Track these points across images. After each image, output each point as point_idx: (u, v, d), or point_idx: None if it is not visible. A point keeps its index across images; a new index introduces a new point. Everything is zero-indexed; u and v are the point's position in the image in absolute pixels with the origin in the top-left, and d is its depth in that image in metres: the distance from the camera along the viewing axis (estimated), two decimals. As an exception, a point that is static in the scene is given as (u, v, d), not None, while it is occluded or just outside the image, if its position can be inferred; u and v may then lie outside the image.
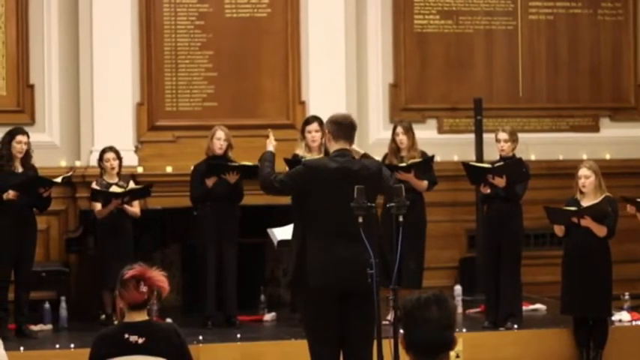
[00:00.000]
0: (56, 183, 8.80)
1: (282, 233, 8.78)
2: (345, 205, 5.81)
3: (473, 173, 8.94)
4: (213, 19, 10.84)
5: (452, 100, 11.43)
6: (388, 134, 9.47)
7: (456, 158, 10.91)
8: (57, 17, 10.53)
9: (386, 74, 11.31)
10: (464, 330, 8.68)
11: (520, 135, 9.17)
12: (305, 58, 10.89)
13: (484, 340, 8.56)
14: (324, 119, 6.80)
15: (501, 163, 8.83)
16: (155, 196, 9.64)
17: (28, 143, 8.85)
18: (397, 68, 11.34)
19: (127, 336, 4.97)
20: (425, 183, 9.07)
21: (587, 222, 8.29)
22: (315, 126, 8.94)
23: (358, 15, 11.11)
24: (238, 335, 8.59)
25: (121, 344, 4.96)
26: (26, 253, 8.78)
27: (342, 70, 10.87)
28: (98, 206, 9.15)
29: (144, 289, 4.96)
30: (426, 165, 9.07)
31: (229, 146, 9.31)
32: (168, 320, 8.20)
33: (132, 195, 9.22)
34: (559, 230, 8.54)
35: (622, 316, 9.12)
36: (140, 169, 10.41)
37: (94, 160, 9.87)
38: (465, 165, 9.02)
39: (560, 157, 11.44)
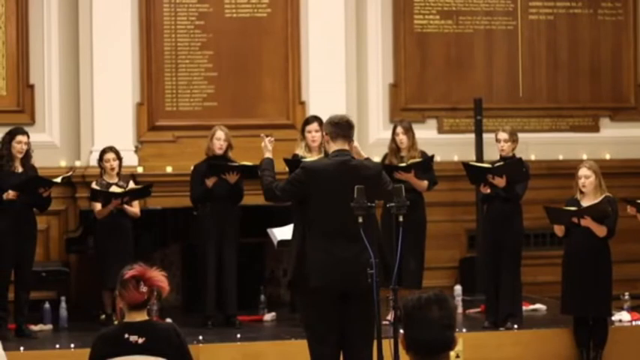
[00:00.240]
0: (56, 183, 8.80)
1: (282, 233, 8.79)
2: (344, 206, 5.82)
3: (473, 173, 8.93)
4: (213, 19, 10.84)
5: (452, 100, 11.43)
6: (388, 134, 9.47)
7: (456, 158, 10.92)
8: (57, 17, 10.53)
9: (386, 74, 11.31)
10: (464, 330, 8.68)
11: (520, 135, 9.17)
12: (305, 58, 10.89)
13: (484, 340, 8.56)
14: (324, 119, 6.80)
15: (501, 163, 8.83)
16: (155, 196, 9.65)
17: (28, 143, 8.85)
18: (397, 68, 11.34)
19: (127, 336, 4.97)
20: (425, 183, 9.07)
21: (587, 222, 8.28)
22: (315, 126, 8.94)
23: (358, 15, 11.11)
24: (238, 335, 8.59)
25: (121, 344, 4.96)
26: (26, 253, 8.77)
27: (342, 70, 10.87)
28: (98, 206, 9.15)
29: (144, 289, 4.96)
30: (425, 165, 9.07)
31: (229, 146, 9.31)
32: (169, 320, 8.19)
33: (132, 195, 9.22)
34: (559, 230, 8.54)
35: (622, 316, 9.11)
36: (140, 169, 10.41)
37: (93, 160, 9.87)
38: (465, 165, 9.02)
39: (560, 157, 11.44)
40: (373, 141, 10.94)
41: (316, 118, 8.96)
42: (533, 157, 11.11)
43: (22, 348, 8.15)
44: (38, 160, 9.13)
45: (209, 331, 8.86)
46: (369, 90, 11.21)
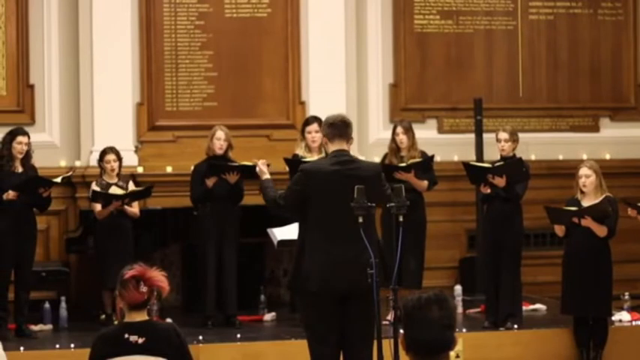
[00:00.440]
0: (56, 183, 8.79)
1: (283, 233, 8.79)
2: (343, 206, 5.82)
3: (473, 173, 8.93)
4: (213, 19, 10.84)
5: (452, 100, 11.43)
6: (388, 134, 9.46)
7: (456, 158, 10.92)
8: (57, 17, 10.53)
9: (386, 74, 11.31)
10: (464, 330, 8.68)
11: (520, 135, 9.17)
12: (305, 58, 10.89)
13: (484, 340, 8.56)
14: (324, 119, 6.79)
15: (501, 163, 8.83)
16: (155, 196, 9.64)
17: (29, 144, 8.85)
18: (397, 68, 11.34)
19: (127, 336, 4.97)
20: (425, 183, 9.07)
21: (587, 222, 8.28)
22: (315, 126, 8.93)
23: (358, 15, 11.11)
24: (238, 335, 8.59)
25: (121, 344, 4.96)
26: (26, 253, 8.77)
27: (342, 70, 10.87)
28: (98, 207, 9.14)
29: (144, 289, 4.96)
30: (425, 165, 9.07)
31: (229, 146, 9.30)
32: (169, 320, 8.19)
33: (133, 197, 9.22)
34: (559, 230, 8.54)
35: (622, 316, 9.11)
36: (140, 169, 10.41)
37: (94, 160, 9.87)
38: (465, 165, 9.01)
39: (561, 157, 11.44)
40: (373, 141, 10.95)
41: (316, 119, 8.96)
42: (533, 157, 11.11)
43: (22, 348, 8.15)
44: (38, 160, 9.13)
45: (209, 331, 8.86)
46: (369, 90, 11.21)
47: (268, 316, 9.59)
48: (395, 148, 9.21)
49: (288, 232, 8.54)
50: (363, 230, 5.71)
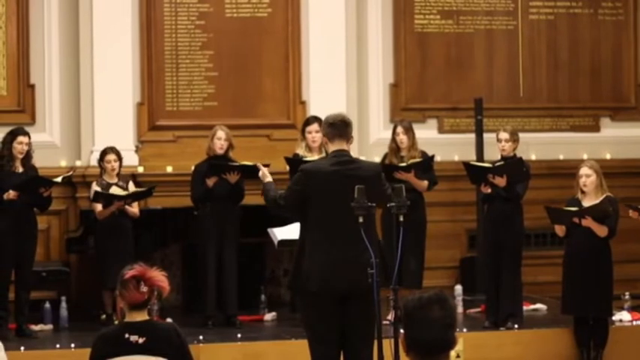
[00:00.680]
0: (56, 183, 8.79)
1: (283, 233, 8.79)
2: (343, 206, 5.82)
3: (473, 173, 8.93)
4: (213, 18, 10.84)
5: (452, 99, 11.43)
6: (388, 134, 9.46)
7: (456, 158, 10.91)
8: (57, 17, 10.53)
9: (386, 74, 11.31)
10: (464, 330, 8.67)
11: (520, 135, 9.17)
12: (305, 58, 10.89)
13: (485, 340, 8.55)
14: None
15: (502, 162, 8.83)
16: (155, 196, 9.64)
17: (29, 144, 8.85)
18: (398, 68, 11.34)
19: (127, 336, 4.97)
20: (425, 183, 9.07)
21: (588, 222, 8.28)
22: (315, 126, 8.93)
23: (359, 15, 11.11)
24: (239, 335, 8.59)
25: (121, 344, 4.96)
26: (27, 253, 8.78)
27: (343, 70, 10.87)
28: (99, 207, 9.14)
29: (144, 289, 4.97)
30: (426, 165, 9.07)
31: (230, 146, 9.30)
32: (169, 320, 8.20)
33: (135, 197, 9.22)
34: (560, 230, 8.53)
35: (622, 316, 9.11)
36: (140, 169, 10.41)
37: (94, 160, 9.87)
38: (466, 164, 9.01)
39: (561, 157, 11.44)
40: (373, 141, 10.95)
41: (316, 119, 8.95)
42: (533, 157, 11.11)
43: (22, 348, 8.15)
44: (39, 160, 9.13)
45: (209, 331, 8.86)
46: (370, 90, 11.21)
47: (269, 316, 9.59)
48: (395, 148, 9.21)
49: (289, 231, 8.54)
50: (363, 230, 5.71)
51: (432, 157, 9.17)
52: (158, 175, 10.31)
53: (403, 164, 8.99)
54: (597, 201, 8.31)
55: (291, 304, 9.70)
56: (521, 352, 8.54)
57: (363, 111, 11.05)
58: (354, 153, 7.87)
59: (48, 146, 10.24)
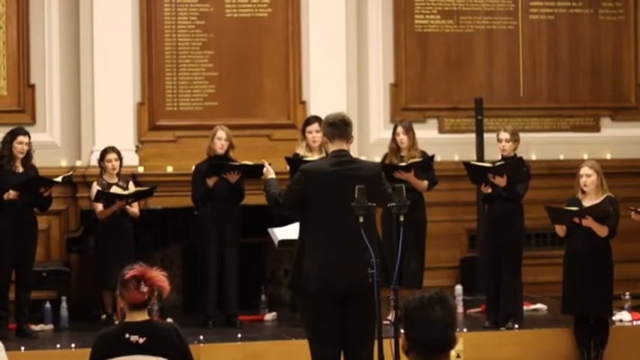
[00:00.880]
0: (56, 182, 8.79)
1: (283, 233, 8.78)
2: (343, 206, 5.82)
3: (474, 172, 8.93)
4: (213, 18, 10.84)
5: (453, 99, 11.43)
6: (389, 134, 9.46)
7: (456, 158, 10.91)
8: (57, 17, 10.53)
9: (387, 74, 11.31)
10: (465, 330, 8.67)
11: (521, 135, 9.17)
12: (306, 58, 10.89)
13: (485, 339, 8.55)
14: (325, 119, 6.79)
15: (502, 162, 8.83)
16: (156, 196, 9.64)
17: (29, 144, 8.85)
18: (398, 68, 11.34)
19: (127, 336, 4.97)
20: (425, 183, 9.07)
21: (588, 222, 8.28)
22: (315, 126, 8.93)
23: (359, 15, 11.11)
24: (239, 335, 8.59)
25: (121, 344, 4.96)
26: (27, 252, 8.78)
27: (343, 70, 10.87)
28: (100, 207, 9.14)
29: (144, 289, 4.96)
30: (426, 164, 9.07)
31: (230, 146, 9.30)
32: (169, 320, 8.19)
33: (136, 197, 9.22)
34: (560, 230, 8.53)
35: (623, 316, 9.11)
36: (141, 169, 10.42)
37: (94, 160, 9.87)
38: (466, 164, 9.01)
39: (561, 157, 11.44)
40: (374, 141, 10.95)
41: (317, 119, 8.95)
42: (534, 157, 11.11)
43: (22, 348, 8.15)
44: (39, 160, 9.13)
45: (210, 330, 8.86)
46: (370, 90, 11.21)
47: (269, 316, 9.59)
48: (395, 147, 9.21)
49: (289, 231, 8.54)
50: (363, 230, 5.70)
51: (432, 156, 9.17)
52: (158, 175, 10.31)
53: (403, 164, 8.99)
54: (598, 201, 8.31)
55: (291, 304, 9.70)
56: (521, 352, 8.54)
57: (363, 111, 11.05)
58: (354, 153, 7.88)
59: (48, 146, 10.24)
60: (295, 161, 8.44)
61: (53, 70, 10.52)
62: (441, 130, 11.41)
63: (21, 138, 8.79)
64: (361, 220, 5.74)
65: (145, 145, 10.67)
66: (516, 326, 8.73)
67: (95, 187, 9.23)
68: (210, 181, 9.11)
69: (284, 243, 8.75)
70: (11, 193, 8.59)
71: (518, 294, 8.86)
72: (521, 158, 8.88)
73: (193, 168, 9.49)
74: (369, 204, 5.77)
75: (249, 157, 9.19)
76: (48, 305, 9.28)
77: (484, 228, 9.33)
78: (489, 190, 8.73)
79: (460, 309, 9.67)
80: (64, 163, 10.37)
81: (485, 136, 10.69)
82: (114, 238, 9.12)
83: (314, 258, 6.10)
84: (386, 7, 11.29)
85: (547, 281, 10.35)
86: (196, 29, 10.83)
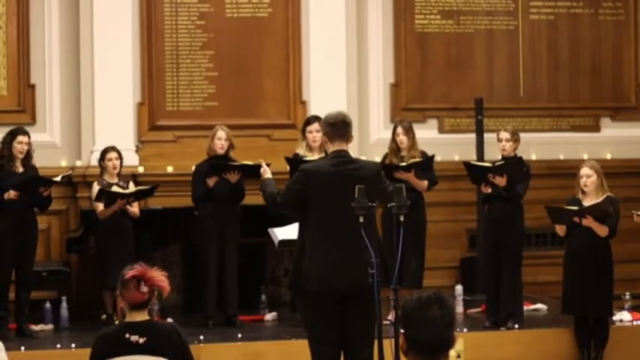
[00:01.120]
0: (56, 182, 8.79)
1: (283, 233, 8.78)
2: (343, 206, 5.82)
3: (474, 172, 8.93)
4: (214, 18, 10.84)
5: (453, 99, 11.43)
6: (389, 134, 9.46)
7: (456, 158, 10.91)
8: (58, 17, 10.54)
9: (387, 74, 11.31)
10: (465, 330, 8.68)
11: (521, 135, 9.16)
12: (306, 58, 10.89)
13: (485, 339, 8.55)
14: (325, 119, 6.79)
15: (502, 162, 8.83)
16: (156, 196, 9.64)
17: (29, 144, 8.85)
18: (398, 68, 11.34)
19: (127, 336, 4.97)
20: (425, 183, 9.07)
21: (588, 222, 8.28)
22: (316, 126, 8.93)
23: (359, 15, 11.11)
24: (239, 335, 8.59)
25: (121, 344, 4.96)
26: (27, 253, 8.78)
27: (343, 70, 10.87)
28: (100, 206, 9.13)
29: (144, 289, 4.97)
30: (426, 165, 9.07)
31: (230, 146, 9.31)
32: (169, 320, 8.19)
33: (138, 196, 9.22)
34: (560, 230, 8.53)
35: (623, 316, 9.11)
36: (141, 169, 10.42)
37: (94, 160, 9.87)
38: (466, 164, 9.02)
39: (561, 157, 11.44)
40: (374, 141, 10.95)
41: (317, 119, 8.94)
42: (534, 157, 11.11)
43: (22, 348, 8.15)
44: (39, 160, 9.13)
45: (210, 331, 8.86)
46: (370, 90, 11.21)
47: (269, 316, 9.59)
48: (395, 148, 9.21)
49: (289, 231, 8.53)
50: (363, 230, 5.71)
51: (432, 157, 9.17)
52: (158, 175, 10.30)
53: (403, 164, 8.99)
54: (598, 201, 8.30)
55: (291, 304, 9.70)
56: (521, 352, 8.54)
57: (363, 111, 11.05)
58: (354, 153, 7.88)
59: (48, 146, 10.25)
60: (295, 161, 8.44)
61: (53, 70, 10.52)
62: (441, 130, 11.41)
63: (21, 138, 8.79)
64: (361, 220, 5.74)
65: (145, 145, 10.67)
66: (516, 326, 8.73)
67: (96, 187, 9.23)
68: (211, 181, 9.11)
69: (284, 243, 8.74)
70: (11, 193, 8.59)
71: (518, 294, 8.86)
72: (521, 158, 8.88)
73: (193, 168, 9.49)
74: (369, 204, 5.77)
75: (250, 157, 9.19)
76: (48, 305, 9.28)
77: (484, 228, 9.33)
78: (489, 190, 8.73)
79: (460, 309, 9.67)
80: (64, 163, 10.38)
81: (486, 136, 10.69)
82: (114, 238, 9.12)
83: (314, 258, 6.10)
84: (386, 7, 11.29)
85: (547, 281, 10.35)
86: (196, 29, 10.83)
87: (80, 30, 10.49)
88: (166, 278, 5.04)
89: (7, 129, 9.00)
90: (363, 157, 8.84)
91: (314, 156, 8.70)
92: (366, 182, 5.90)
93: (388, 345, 5.60)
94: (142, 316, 5.03)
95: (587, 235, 8.31)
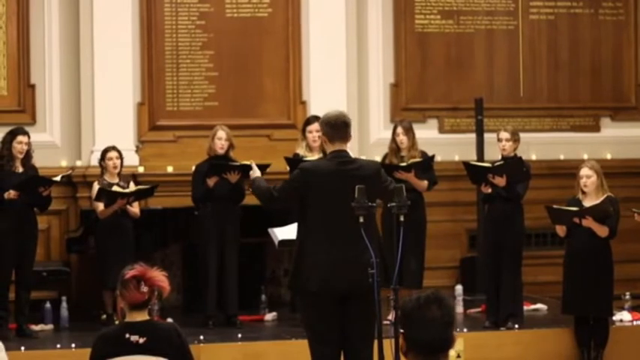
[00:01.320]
0: (55, 182, 8.79)
1: (283, 233, 8.79)
2: (343, 206, 5.82)
3: (473, 172, 8.93)
4: (214, 18, 10.84)
5: (453, 99, 11.43)
6: (389, 134, 9.46)
7: (456, 158, 10.91)
8: (58, 17, 10.54)
9: (387, 74, 11.31)
10: (465, 330, 8.68)
11: (521, 135, 9.17)
12: (306, 58, 10.89)
13: (485, 339, 8.55)
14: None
15: (502, 162, 8.83)
16: (156, 196, 9.64)
17: (29, 143, 8.85)
18: (398, 68, 11.34)
19: (127, 336, 4.97)
20: (425, 183, 9.07)
21: (588, 222, 8.28)
22: (316, 126, 8.91)
23: (359, 15, 11.11)
24: (239, 335, 8.60)
25: (121, 344, 4.97)
26: (27, 253, 8.78)
27: (343, 70, 10.87)
28: (101, 206, 9.13)
29: (144, 289, 4.97)
30: (426, 165, 9.07)
31: (231, 146, 9.31)
32: (169, 320, 8.19)
33: (138, 195, 9.22)
34: (560, 230, 8.53)
35: (623, 316, 9.11)
36: (141, 169, 10.42)
37: (94, 160, 9.87)
38: (466, 164, 9.02)
39: (561, 157, 11.44)
40: (374, 141, 10.95)
41: (317, 119, 8.89)
42: (534, 157, 11.11)
43: (22, 348, 8.16)
44: (39, 160, 9.13)
45: (210, 330, 8.86)
46: (370, 90, 11.21)
47: (269, 316, 9.59)
48: (395, 148, 9.21)
49: (289, 231, 8.53)
50: (363, 230, 5.71)
51: (432, 157, 9.17)
52: (158, 175, 10.30)
53: (403, 164, 8.99)
54: (598, 201, 8.30)
55: (291, 304, 9.70)
56: (521, 352, 8.54)
57: (363, 111, 11.06)
58: (354, 153, 7.88)
59: (48, 146, 10.25)
60: (295, 161, 8.43)
61: (53, 70, 10.52)
62: (441, 130, 11.41)
63: (20, 138, 8.79)
64: (361, 220, 5.74)
65: (145, 145, 10.67)
66: (516, 326, 8.73)
67: (96, 187, 9.23)
68: (211, 181, 9.11)
69: (284, 243, 8.75)
70: (11, 193, 8.60)
71: (518, 294, 8.86)
72: (520, 158, 8.88)
73: (193, 168, 9.49)
74: (369, 204, 5.77)
75: (250, 157, 9.12)
76: (48, 305, 9.28)
77: (484, 228, 9.33)
78: (489, 190, 8.73)
79: (460, 309, 9.67)
80: (64, 163, 10.38)
81: (486, 136, 10.69)
82: (114, 238, 9.12)
83: (314, 258, 6.10)
84: (386, 7, 11.29)
85: (547, 281, 10.35)
86: (196, 29, 10.83)
87: (80, 30, 10.49)
88: (166, 278, 5.04)
89: (7, 129, 9.00)
90: (363, 157, 8.83)
91: (314, 156, 8.70)
92: (366, 182, 5.90)
93: (388, 345, 5.60)
94: (142, 316, 5.03)
95: (588, 236, 8.32)
